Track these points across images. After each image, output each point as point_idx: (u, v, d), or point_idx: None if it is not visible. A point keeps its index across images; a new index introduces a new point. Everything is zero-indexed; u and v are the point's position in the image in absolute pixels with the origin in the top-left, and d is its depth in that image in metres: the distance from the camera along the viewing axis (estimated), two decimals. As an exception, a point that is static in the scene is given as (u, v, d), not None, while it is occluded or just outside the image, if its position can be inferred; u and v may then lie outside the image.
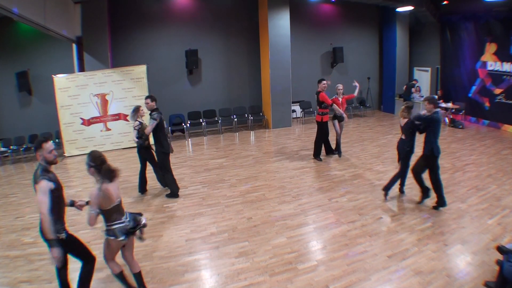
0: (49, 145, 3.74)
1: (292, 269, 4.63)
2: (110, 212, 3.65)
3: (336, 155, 9.36)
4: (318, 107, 8.94)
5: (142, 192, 7.42)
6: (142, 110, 6.93)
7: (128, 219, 3.79)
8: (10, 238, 5.81)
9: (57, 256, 3.45)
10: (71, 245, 3.81)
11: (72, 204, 4.03)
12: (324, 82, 8.79)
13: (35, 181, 3.60)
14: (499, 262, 3.94)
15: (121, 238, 3.67)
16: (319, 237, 5.45)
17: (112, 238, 3.68)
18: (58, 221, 3.63)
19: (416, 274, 4.37)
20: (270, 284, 4.34)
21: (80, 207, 4.06)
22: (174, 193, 7.17)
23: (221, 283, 4.40)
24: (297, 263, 4.76)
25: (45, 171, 3.67)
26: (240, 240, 5.42)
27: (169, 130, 12.10)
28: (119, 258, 3.97)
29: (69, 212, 6.52)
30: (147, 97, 6.81)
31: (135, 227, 3.80)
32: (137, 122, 6.85)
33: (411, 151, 6.31)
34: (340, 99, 8.97)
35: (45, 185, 3.53)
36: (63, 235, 3.68)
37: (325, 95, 8.67)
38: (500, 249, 4.02)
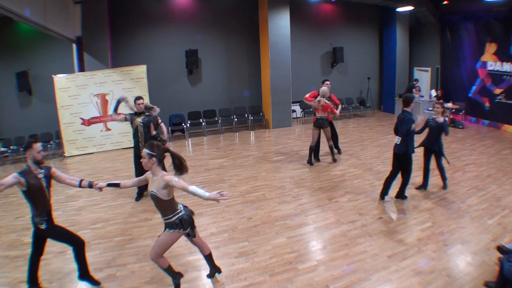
0: (38, 145, 3.98)
1: (292, 269, 4.63)
2: (172, 201, 3.91)
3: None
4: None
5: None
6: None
7: (182, 208, 4.03)
8: (10, 238, 5.80)
9: None
10: (55, 233, 4.18)
11: (91, 185, 4.20)
12: (328, 82, 8.82)
13: None
14: (500, 260, 3.94)
15: (186, 230, 3.96)
16: (319, 237, 5.45)
17: (176, 231, 3.91)
18: (40, 215, 4.00)
19: (416, 274, 4.37)
20: (270, 284, 4.34)
21: (100, 189, 4.24)
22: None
23: (221, 283, 4.40)
24: (297, 263, 4.76)
25: (26, 172, 3.92)
26: (240, 240, 5.42)
27: (169, 130, 12.11)
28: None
29: (69, 212, 6.61)
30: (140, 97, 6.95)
31: (191, 215, 4.08)
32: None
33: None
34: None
35: (13, 175, 3.80)
36: (43, 226, 4.02)
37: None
38: (501, 249, 4.02)
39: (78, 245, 4.27)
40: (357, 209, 6.29)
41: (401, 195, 6.60)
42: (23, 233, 5.91)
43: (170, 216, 3.89)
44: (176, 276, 4.23)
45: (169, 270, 4.13)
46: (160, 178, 3.75)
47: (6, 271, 4.81)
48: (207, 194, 3.61)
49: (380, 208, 6.30)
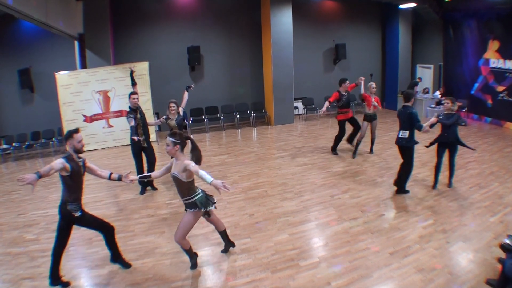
0: (79, 135, 4.21)
1: (294, 265, 4.64)
2: (192, 183, 4.25)
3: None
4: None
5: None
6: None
7: (200, 191, 4.37)
8: (12, 235, 5.83)
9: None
10: (87, 221, 4.37)
11: (120, 178, 4.49)
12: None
13: None
14: (501, 260, 3.94)
15: (204, 209, 4.32)
16: (321, 234, 5.46)
17: (196, 210, 4.28)
18: (75, 202, 4.16)
19: (418, 271, 4.37)
20: (272, 280, 4.35)
21: (132, 181, 4.60)
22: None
23: (223, 280, 4.42)
24: (299, 260, 4.77)
25: (70, 158, 4.11)
26: (242, 237, 5.43)
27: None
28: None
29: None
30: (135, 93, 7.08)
31: (208, 196, 4.45)
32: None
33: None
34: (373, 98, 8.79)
35: (60, 161, 3.96)
36: (78, 214, 4.19)
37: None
38: (503, 247, 4.01)
39: (108, 231, 4.54)
40: (359, 206, 6.29)
41: (401, 187, 6.67)
42: (25, 230, 5.94)
43: (190, 197, 4.24)
44: (194, 257, 4.62)
45: (189, 251, 4.53)
46: (181, 162, 4.09)
47: (8, 268, 4.83)
48: (212, 179, 3.85)
49: (382, 205, 6.29)
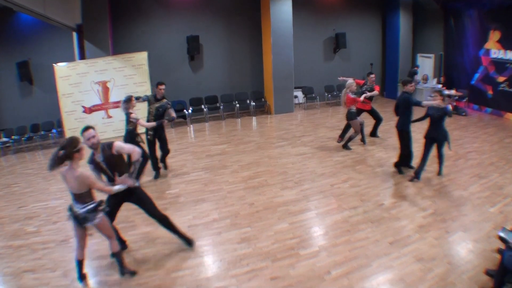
0: (87, 133, 4.16)
1: (294, 254, 4.66)
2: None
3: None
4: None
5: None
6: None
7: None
8: (13, 228, 5.83)
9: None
10: (143, 194, 4.64)
11: None
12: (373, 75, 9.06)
13: None
14: (500, 251, 3.95)
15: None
16: (321, 223, 5.47)
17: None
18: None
19: (417, 261, 4.39)
20: (272, 269, 4.37)
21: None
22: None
23: (224, 269, 4.44)
24: (299, 249, 4.79)
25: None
26: (242, 226, 5.44)
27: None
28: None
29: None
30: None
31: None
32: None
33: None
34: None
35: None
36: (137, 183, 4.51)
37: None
38: (501, 238, 4.01)
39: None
40: (359, 195, 6.30)
41: (398, 166, 7.09)
42: (26, 223, 5.95)
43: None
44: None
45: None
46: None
47: (10, 261, 4.84)
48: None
49: (382, 195, 6.31)
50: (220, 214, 5.85)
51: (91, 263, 4.69)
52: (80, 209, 3.87)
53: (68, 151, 3.73)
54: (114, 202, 4.47)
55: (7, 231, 5.73)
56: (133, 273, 4.34)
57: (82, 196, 3.87)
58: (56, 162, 3.70)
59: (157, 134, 7.34)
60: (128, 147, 4.28)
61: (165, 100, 7.22)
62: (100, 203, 3.99)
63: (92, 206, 3.91)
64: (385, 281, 4.09)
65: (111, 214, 4.44)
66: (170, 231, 4.81)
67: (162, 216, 4.67)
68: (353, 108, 8.41)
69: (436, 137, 6.57)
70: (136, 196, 4.50)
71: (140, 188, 4.55)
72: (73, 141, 3.80)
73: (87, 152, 4.00)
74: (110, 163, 4.24)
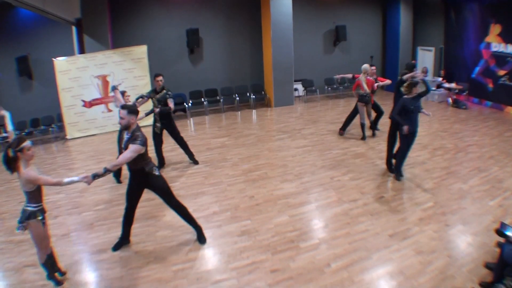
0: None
1: (294, 247, 4.68)
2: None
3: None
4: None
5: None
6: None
7: None
8: (14, 223, 5.76)
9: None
10: (163, 180, 4.65)
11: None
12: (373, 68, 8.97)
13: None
14: (499, 244, 3.95)
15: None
16: (321, 216, 5.49)
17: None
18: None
19: (417, 253, 4.41)
20: (272, 262, 4.38)
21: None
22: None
23: (224, 262, 4.46)
24: (299, 242, 4.80)
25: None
26: (243, 219, 5.46)
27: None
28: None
29: (71, 194, 6.68)
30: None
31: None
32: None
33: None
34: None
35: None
36: (156, 172, 4.55)
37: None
38: (499, 232, 4.01)
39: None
40: (359, 188, 6.31)
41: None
42: (27, 218, 5.93)
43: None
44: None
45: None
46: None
47: (11, 256, 4.84)
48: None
49: (382, 187, 6.32)
50: (220, 207, 5.86)
51: (91, 257, 4.71)
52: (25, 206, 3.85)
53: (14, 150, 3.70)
54: (133, 190, 4.57)
55: (7, 226, 5.73)
56: (61, 275, 4.27)
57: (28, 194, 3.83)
58: (7, 163, 3.74)
59: (165, 126, 7.33)
60: (122, 157, 4.12)
61: (164, 91, 7.15)
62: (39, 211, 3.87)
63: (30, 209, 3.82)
64: (385, 274, 4.10)
65: (131, 203, 4.61)
66: (187, 223, 4.85)
67: (179, 206, 4.70)
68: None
69: (414, 131, 6.32)
70: (154, 184, 4.52)
71: (159, 176, 4.54)
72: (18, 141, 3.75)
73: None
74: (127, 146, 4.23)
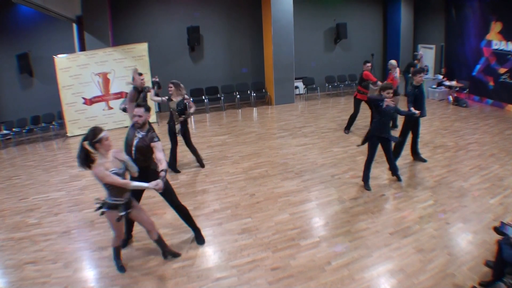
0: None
1: (294, 245, 4.68)
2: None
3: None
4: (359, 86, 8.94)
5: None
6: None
7: None
8: (14, 220, 5.84)
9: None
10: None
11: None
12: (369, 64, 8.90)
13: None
14: (498, 243, 3.95)
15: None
16: (321, 214, 5.49)
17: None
18: None
19: (417, 251, 4.41)
20: (273, 260, 4.39)
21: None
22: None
23: (224, 259, 4.46)
24: (299, 240, 4.80)
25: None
26: (243, 217, 5.46)
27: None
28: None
29: (72, 192, 6.69)
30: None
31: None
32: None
33: None
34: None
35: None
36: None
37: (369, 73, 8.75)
38: (498, 230, 3.99)
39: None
40: (359, 186, 6.31)
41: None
42: (27, 215, 5.95)
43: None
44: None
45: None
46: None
47: (11, 253, 4.85)
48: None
49: (382, 185, 6.32)
50: (220, 205, 5.86)
51: (92, 254, 4.72)
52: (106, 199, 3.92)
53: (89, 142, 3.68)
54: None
55: (8, 224, 5.73)
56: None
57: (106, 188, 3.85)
58: (81, 156, 3.63)
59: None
60: (160, 155, 4.13)
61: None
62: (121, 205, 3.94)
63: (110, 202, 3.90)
64: (385, 272, 4.11)
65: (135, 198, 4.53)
66: (186, 223, 4.84)
67: (181, 207, 4.69)
68: None
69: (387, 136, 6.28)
70: None
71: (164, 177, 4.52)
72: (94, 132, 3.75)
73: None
74: (140, 146, 4.27)
